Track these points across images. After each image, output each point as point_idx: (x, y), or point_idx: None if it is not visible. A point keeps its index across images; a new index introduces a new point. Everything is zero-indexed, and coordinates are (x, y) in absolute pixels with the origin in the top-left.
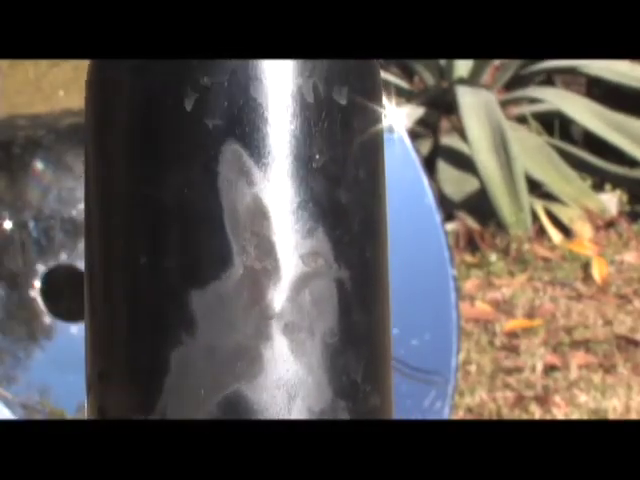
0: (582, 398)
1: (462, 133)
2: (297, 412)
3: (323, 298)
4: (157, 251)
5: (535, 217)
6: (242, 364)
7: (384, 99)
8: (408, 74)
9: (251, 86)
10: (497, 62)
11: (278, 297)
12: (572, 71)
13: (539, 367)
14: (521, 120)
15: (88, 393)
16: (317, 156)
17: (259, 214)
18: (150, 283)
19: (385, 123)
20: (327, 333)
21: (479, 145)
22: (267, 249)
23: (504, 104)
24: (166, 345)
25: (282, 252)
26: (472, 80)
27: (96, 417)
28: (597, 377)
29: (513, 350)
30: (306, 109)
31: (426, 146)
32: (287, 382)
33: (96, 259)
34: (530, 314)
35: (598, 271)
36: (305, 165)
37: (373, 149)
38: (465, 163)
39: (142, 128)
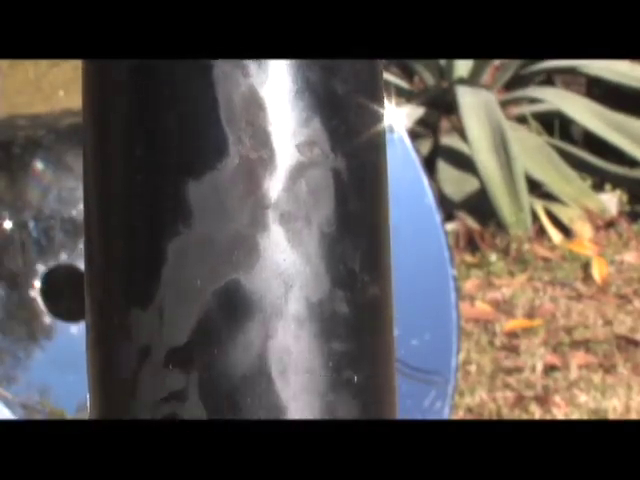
0: (582, 398)
1: (462, 133)
2: (294, 301)
3: (319, 187)
4: (152, 143)
5: (535, 217)
6: (239, 253)
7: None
8: (408, 74)
9: None
10: (497, 62)
11: (274, 187)
12: (572, 71)
13: (539, 367)
14: (521, 120)
15: (86, 288)
16: None
17: (254, 104)
18: (146, 175)
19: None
20: (324, 222)
21: (479, 145)
22: (263, 139)
23: (504, 104)
24: (163, 237)
25: (278, 142)
26: (472, 80)
27: (95, 312)
28: (597, 377)
29: (513, 350)
30: None
31: (426, 146)
32: (284, 271)
33: (91, 153)
34: (530, 314)
35: (598, 271)
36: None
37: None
38: (465, 163)
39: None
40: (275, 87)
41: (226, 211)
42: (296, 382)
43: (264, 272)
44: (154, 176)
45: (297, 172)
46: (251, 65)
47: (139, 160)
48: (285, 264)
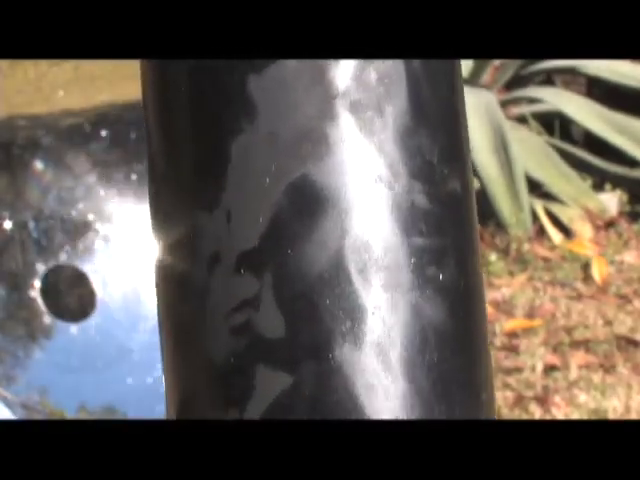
0: (582, 398)
1: None
2: (369, 195)
3: (390, 75)
4: (213, 39)
5: (535, 217)
6: (307, 146)
7: None
8: None
9: None
10: (497, 62)
11: (341, 75)
12: (572, 71)
13: (539, 367)
14: (521, 120)
15: (150, 198)
16: None
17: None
18: (205, 72)
19: None
20: (397, 112)
21: (479, 145)
22: None
23: (504, 104)
24: (226, 135)
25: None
26: (472, 80)
27: (161, 222)
28: (597, 377)
29: (513, 350)
30: None
31: None
32: (357, 163)
33: (149, 63)
34: (530, 314)
35: (598, 271)
36: None
37: None
38: None
39: None
40: None
41: (291, 103)
42: (377, 280)
43: (336, 165)
44: (215, 72)
45: (365, 60)
46: None
47: (201, 55)
48: (358, 156)
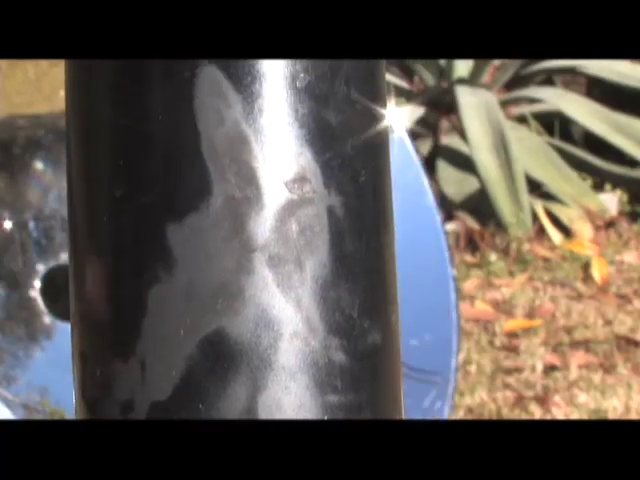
0: (582, 398)
1: (462, 133)
2: (285, 351)
3: (312, 227)
4: (132, 183)
5: (535, 217)
6: (223, 300)
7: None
8: (408, 74)
9: None
10: (497, 62)
11: (261, 228)
12: (572, 71)
13: (539, 367)
14: (521, 120)
15: (71, 338)
16: (302, 74)
17: (239, 139)
18: (126, 218)
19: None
20: (317, 265)
21: (479, 145)
22: (248, 176)
23: (504, 104)
24: (143, 284)
25: (265, 179)
26: (472, 80)
27: (79, 363)
28: (597, 377)
29: (513, 350)
30: None
31: (426, 146)
32: (273, 318)
33: (75, 193)
34: (530, 314)
35: (598, 271)
36: (288, 85)
37: (368, 66)
38: (465, 163)
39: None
40: (261, 120)
41: (209, 255)
42: None
43: (251, 320)
44: (134, 219)
45: (287, 211)
46: (234, 95)
47: (119, 200)
48: (274, 311)
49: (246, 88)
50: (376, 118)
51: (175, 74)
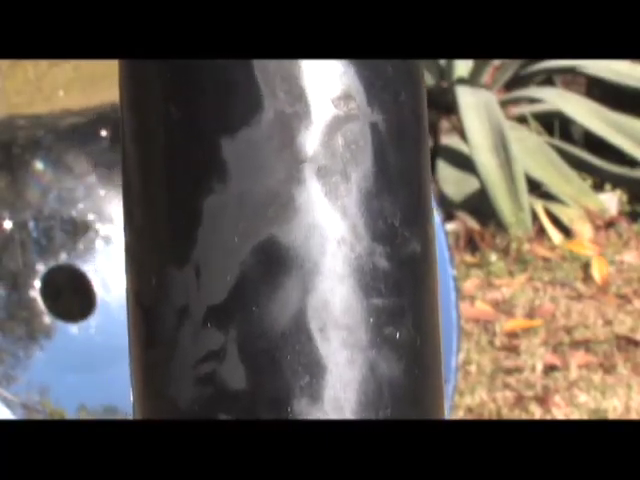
0: (582, 398)
1: (462, 133)
2: (332, 256)
3: (356, 142)
4: (187, 101)
5: (535, 217)
6: (275, 209)
7: None
8: None
9: None
10: (497, 62)
11: (310, 141)
12: (572, 71)
13: (539, 367)
14: (521, 120)
15: (126, 250)
16: None
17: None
18: (182, 135)
19: None
20: (361, 177)
21: (479, 145)
22: (297, 93)
23: (504, 104)
24: (198, 195)
25: (313, 96)
26: (472, 80)
27: (134, 273)
28: (597, 377)
29: (513, 350)
30: None
31: None
32: (321, 226)
33: (127, 114)
34: (530, 314)
35: (598, 271)
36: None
37: None
38: (465, 163)
39: None
40: (309, 42)
41: (261, 167)
42: (336, 338)
43: (301, 227)
44: (189, 134)
45: (333, 126)
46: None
47: (174, 118)
48: (322, 219)
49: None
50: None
51: None
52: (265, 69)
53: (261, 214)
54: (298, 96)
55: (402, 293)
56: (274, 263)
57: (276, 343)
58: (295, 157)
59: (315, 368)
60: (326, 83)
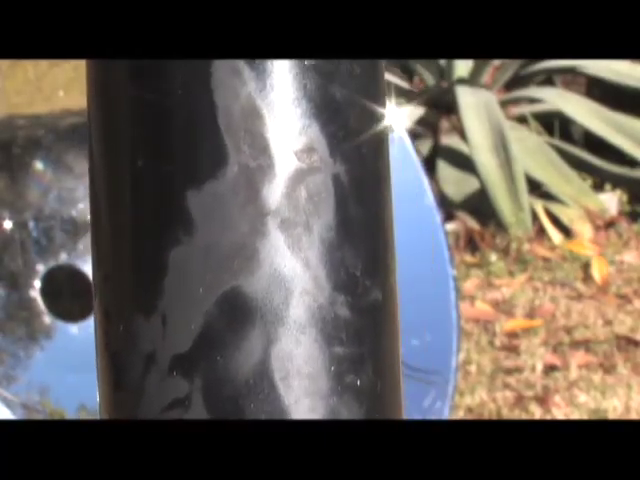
0: (582, 398)
1: (462, 133)
2: (295, 307)
3: (319, 193)
4: (153, 153)
5: (535, 217)
6: (239, 261)
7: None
8: (408, 74)
9: None
10: (497, 62)
11: (274, 194)
12: (572, 71)
13: (539, 367)
14: (521, 120)
15: (95, 296)
16: None
17: (253, 113)
18: (148, 185)
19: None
20: (324, 228)
21: (479, 145)
22: (261, 146)
23: (504, 104)
24: (165, 245)
25: (277, 149)
26: (472, 80)
27: (102, 320)
28: (597, 377)
29: (513, 350)
30: None
31: (426, 146)
32: (284, 277)
33: (97, 165)
34: (530, 314)
35: (598, 271)
36: (298, 62)
37: None
38: (465, 163)
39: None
40: (273, 95)
41: (226, 219)
42: (299, 387)
43: (265, 279)
44: (155, 185)
45: (296, 179)
46: (249, 72)
47: (141, 169)
48: (285, 270)
49: (259, 66)
50: (377, 93)
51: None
52: (229, 122)
53: (226, 266)
54: (262, 149)
55: (363, 341)
56: (238, 313)
57: (240, 391)
58: (259, 210)
59: (278, 416)
60: (289, 136)
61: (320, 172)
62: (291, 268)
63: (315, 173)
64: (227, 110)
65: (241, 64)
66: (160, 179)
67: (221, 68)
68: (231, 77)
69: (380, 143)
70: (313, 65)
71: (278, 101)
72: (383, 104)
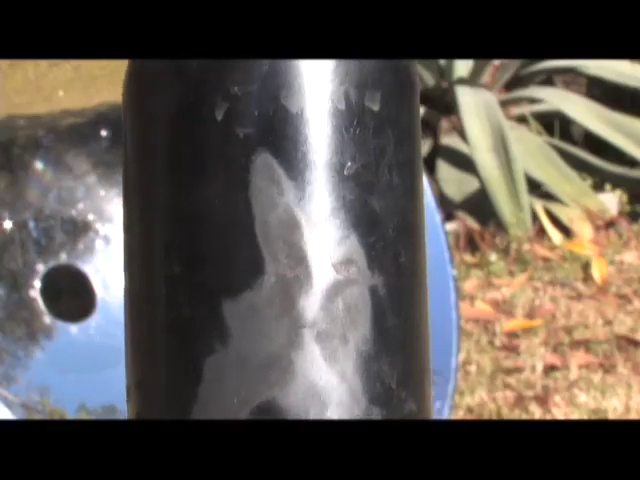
0: (582, 398)
1: (462, 133)
2: (332, 415)
3: (356, 305)
4: (190, 261)
5: (535, 217)
6: (274, 373)
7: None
8: None
9: (281, 94)
10: (497, 62)
11: (310, 305)
12: (572, 71)
13: (539, 367)
14: (521, 120)
15: (127, 400)
16: (349, 163)
17: (290, 223)
18: (184, 293)
19: (421, 124)
20: (360, 340)
21: (479, 145)
22: (299, 257)
23: (504, 104)
24: (200, 354)
25: (314, 260)
26: (472, 80)
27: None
28: (597, 377)
29: (513, 350)
30: (338, 116)
31: (426, 146)
32: (320, 390)
33: (134, 270)
34: (530, 314)
35: (598, 271)
36: (337, 173)
37: (408, 152)
38: (465, 163)
39: (175, 140)
40: (311, 206)
41: (262, 330)
42: None
43: (300, 391)
44: (192, 295)
45: (334, 291)
46: (287, 183)
47: (178, 279)
48: (321, 382)
49: (297, 175)
50: (414, 201)
51: (232, 161)
52: (267, 232)
53: (261, 377)
54: (299, 260)
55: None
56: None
57: None
58: (295, 321)
59: None
60: (327, 247)
61: (358, 284)
62: (327, 380)
63: (353, 285)
64: (265, 219)
65: (279, 172)
66: (196, 287)
67: (259, 176)
68: (269, 186)
69: (417, 252)
70: (352, 175)
71: (316, 212)
72: (422, 210)
